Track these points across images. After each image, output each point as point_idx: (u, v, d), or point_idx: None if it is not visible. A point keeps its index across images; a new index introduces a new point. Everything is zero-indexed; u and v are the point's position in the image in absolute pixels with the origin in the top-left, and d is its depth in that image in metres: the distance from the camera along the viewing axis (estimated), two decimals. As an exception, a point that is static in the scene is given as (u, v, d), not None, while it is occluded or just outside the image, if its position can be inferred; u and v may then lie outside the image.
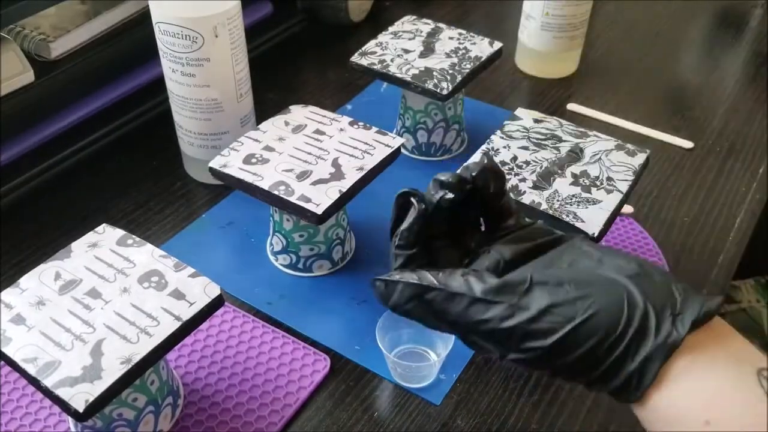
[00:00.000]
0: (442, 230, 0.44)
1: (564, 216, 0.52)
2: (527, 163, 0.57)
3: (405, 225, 0.42)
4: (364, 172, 0.57)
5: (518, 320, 0.37)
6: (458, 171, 0.43)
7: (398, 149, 0.61)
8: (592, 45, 0.94)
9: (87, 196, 0.71)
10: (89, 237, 0.51)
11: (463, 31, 0.74)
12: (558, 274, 0.39)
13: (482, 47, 0.72)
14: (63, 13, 0.75)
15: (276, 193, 0.56)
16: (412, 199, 0.42)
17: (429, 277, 0.40)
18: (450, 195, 0.42)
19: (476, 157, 0.53)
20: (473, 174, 0.42)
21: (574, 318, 0.37)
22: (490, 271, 0.40)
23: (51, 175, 0.71)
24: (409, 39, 0.73)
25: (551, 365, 0.38)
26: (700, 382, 0.36)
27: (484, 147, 0.58)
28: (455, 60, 0.70)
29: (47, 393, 0.42)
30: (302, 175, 0.57)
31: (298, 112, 0.64)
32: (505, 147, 0.58)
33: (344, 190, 0.56)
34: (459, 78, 0.68)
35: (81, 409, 0.41)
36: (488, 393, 0.54)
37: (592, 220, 0.52)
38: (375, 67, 0.69)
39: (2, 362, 0.51)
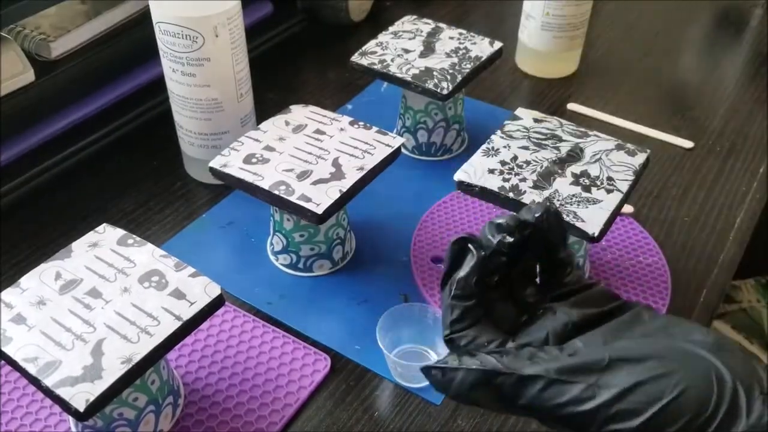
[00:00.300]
0: (495, 281, 0.41)
1: (564, 215, 0.52)
2: (527, 162, 0.57)
3: (462, 273, 0.39)
4: (364, 172, 0.57)
5: (600, 401, 0.34)
6: (517, 214, 0.40)
7: (398, 149, 0.61)
8: (593, 45, 0.94)
9: (87, 195, 0.71)
10: (89, 237, 0.51)
11: (464, 31, 0.74)
12: (637, 349, 0.36)
13: (482, 47, 0.72)
14: (63, 12, 0.75)
15: (276, 192, 0.56)
16: (471, 245, 0.39)
17: (493, 362, 0.37)
18: (509, 239, 0.39)
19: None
20: (536, 215, 0.39)
21: (662, 397, 0.34)
22: (557, 335, 0.38)
23: (51, 175, 0.71)
24: (410, 39, 0.73)
25: None
26: None
27: (484, 147, 0.58)
28: (455, 60, 0.70)
29: (48, 393, 0.42)
30: (302, 175, 0.57)
31: (299, 112, 0.64)
32: (505, 147, 0.58)
33: (344, 190, 0.56)
34: (459, 78, 0.68)
35: (81, 409, 0.41)
36: (488, 393, 0.54)
37: (592, 220, 0.52)
38: (375, 66, 0.69)
39: (3, 362, 0.51)
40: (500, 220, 0.40)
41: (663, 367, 0.35)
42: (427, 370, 0.39)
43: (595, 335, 0.38)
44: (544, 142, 0.59)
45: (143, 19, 0.77)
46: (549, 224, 0.40)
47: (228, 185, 0.60)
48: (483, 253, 0.39)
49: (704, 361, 0.35)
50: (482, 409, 0.38)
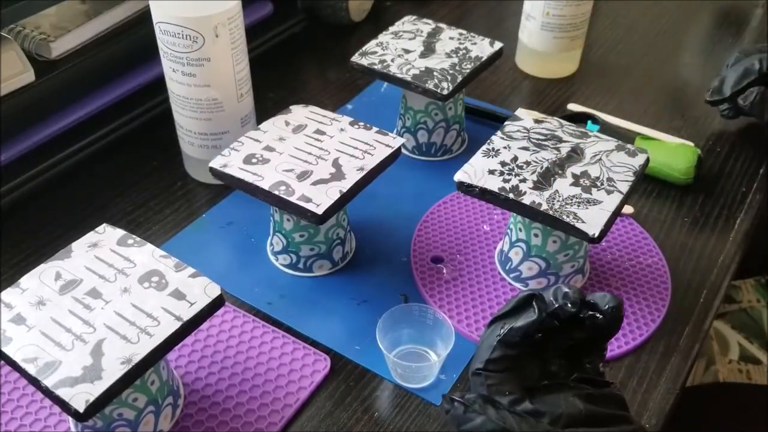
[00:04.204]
0: (538, 338, 0.44)
1: (564, 216, 0.52)
2: (528, 163, 0.57)
3: (519, 323, 0.43)
4: (364, 172, 0.57)
5: None
6: (589, 295, 0.44)
7: (399, 149, 0.61)
8: (593, 45, 0.94)
9: (87, 196, 0.71)
10: (89, 237, 0.51)
11: (464, 31, 0.74)
12: None
13: (483, 47, 0.72)
14: (63, 12, 0.75)
15: (276, 193, 0.56)
16: (536, 303, 0.43)
17: (512, 423, 0.41)
18: (572, 309, 0.42)
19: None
20: (606, 306, 0.43)
21: None
22: (570, 417, 0.42)
23: (51, 175, 0.71)
24: (410, 39, 0.73)
25: None
26: None
27: (484, 147, 0.58)
28: (456, 60, 0.70)
29: (47, 393, 0.42)
30: (303, 175, 0.57)
31: (299, 112, 0.64)
32: (505, 147, 0.58)
33: (345, 190, 0.56)
34: (459, 78, 0.68)
35: (81, 410, 0.41)
36: (488, 393, 0.54)
37: (592, 221, 0.52)
38: (375, 67, 0.69)
39: (2, 362, 0.51)
40: (568, 290, 0.43)
41: None
42: (450, 401, 0.42)
43: None
44: (544, 142, 0.59)
45: (143, 19, 0.77)
46: (612, 319, 0.43)
47: (228, 185, 0.60)
48: (544, 315, 0.43)
49: None
50: None
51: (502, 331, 0.43)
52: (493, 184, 0.55)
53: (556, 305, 0.43)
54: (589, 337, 0.45)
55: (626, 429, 0.44)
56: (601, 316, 0.43)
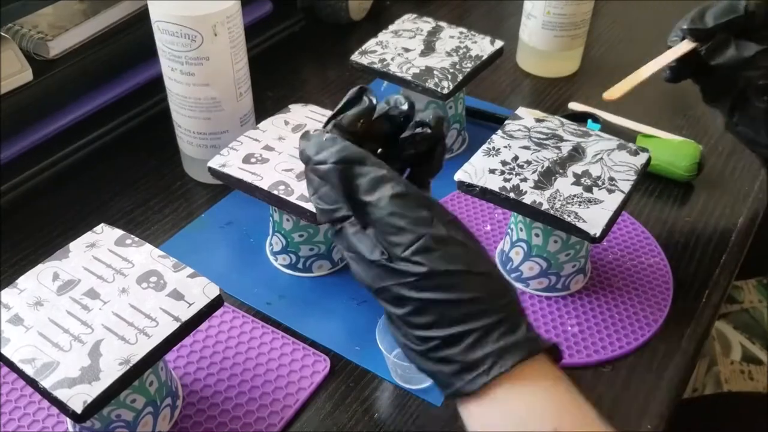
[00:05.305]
0: (376, 149, 0.45)
1: (565, 216, 0.52)
2: (528, 162, 0.56)
3: (352, 111, 0.43)
4: (364, 172, 0.57)
5: (432, 231, 0.38)
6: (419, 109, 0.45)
7: (399, 149, 0.61)
8: (594, 44, 0.94)
9: (85, 195, 0.71)
10: (87, 237, 0.51)
11: (464, 30, 0.74)
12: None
13: (483, 46, 0.71)
14: (61, 11, 0.75)
15: (275, 192, 0.55)
16: (366, 95, 0.43)
17: (370, 154, 0.40)
18: (404, 107, 0.43)
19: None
20: (432, 116, 0.43)
21: (475, 267, 0.38)
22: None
23: (49, 174, 0.70)
24: (410, 38, 0.72)
25: (423, 293, 0.38)
26: (549, 391, 0.38)
27: (485, 146, 0.58)
28: (456, 59, 0.69)
29: (45, 394, 0.42)
30: (302, 175, 0.57)
31: (298, 111, 0.64)
32: (506, 146, 0.58)
33: (344, 190, 0.55)
34: (460, 77, 0.67)
35: (79, 411, 0.41)
36: (489, 394, 0.54)
37: (593, 220, 0.52)
38: (375, 65, 0.69)
39: (0, 363, 0.50)
40: (399, 96, 0.44)
41: (485, 254, 0.40)
42: (305, 134, 0.42)
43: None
44: (545, 141, 0.58)
45: (142, 18, 0.76)
46: (437, 134, 0.43)
47: (227, 185, 0.60)
48: (375, 104, 0.43)
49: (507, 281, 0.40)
50: (326, 183, 0.41)
51: (335, 119, 0.43)
52: (494, 183, 0.54)
53: (389, 106, 0.43)
54: (418, 164, 0.45)
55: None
56: (426, 129, 0.43)
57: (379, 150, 0.45)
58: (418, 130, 0.43)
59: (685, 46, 0.60)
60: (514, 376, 0.37)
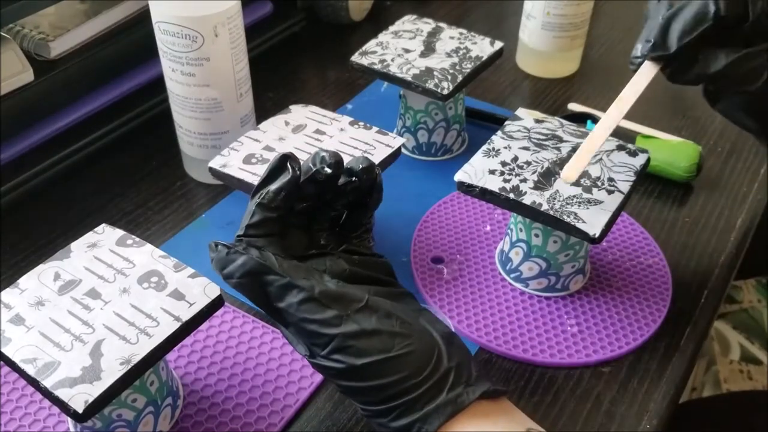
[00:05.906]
0: (302, 207, 0.45)
1: (565, 216, 0.52)
2: (528, 163, 0.56)
3: (276, 185, 0.43)
4: (364, 172, 0.57)
5: (342, 331, 0.40)
6: (351, 160, 0.45)
7: (399, 149, 0.61)
8: (594, 45, 0.94)
9: (86, 196, 0.71)
10: (88, 237, 0.51)
11: (464, 31, 0.74)
12: (389, 308, 0.42)
13: (483, 47, 0.72)
14: (62, 12, 0.75)
15: (276, 193, 0.55)
16: (290, 163, 0.43)
17: (273, 261, 0.41)
18: (328, 170, 0.43)
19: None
20: (361, 166, 0.44)
21: (390, 350, 0.40)
22: (333, 274, 0.44)
23: (50, 174, 0.70)
24: (410, 38, 0.73)
25: (348, 383, 0.41)
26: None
27: (485, 147, 0.58)
28: (456, 60, 0.70)
29: (46, 394, 0.42)
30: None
31: (299, 112, 0.64)
32: (505, 147, 0.58)
33: (344, 190, 0.56)
34: (460, 78, 0.67)
35: (80, 410, 0.41)
36: (489, 394, 0.54)
37: (593, 221, 0.52)
38: (375, 66, 0.69)
39: (1, 363, 0.51)
40: (324, 154, 0.43)
41: (403, 328, 0.41)
42: (214, 245, 0.43)
43: (366, 288, 0.43)
44: (544, 142, 0.58)
45: (143, 18, 0.77)
46: (367, 183, 0.45)
47: (228, 185, 0.60)
48: (298, 173, 0.43)
49: (434, 341, 0.41)
50: (244, 295, 0.43)
51: (261, 195, 0.44)
52: (494, 184, 0.55)
53: (314, 169, 0.43)
54: (355, 209, 0.47)
55: (395, 290, 0.46)
56: (356, 179, 0.45)
57: (307, 204, 0.46)
58: (349, 179, 0.45)
59: (648, 71, 0.51)
60: (449, 425, 0.40)
